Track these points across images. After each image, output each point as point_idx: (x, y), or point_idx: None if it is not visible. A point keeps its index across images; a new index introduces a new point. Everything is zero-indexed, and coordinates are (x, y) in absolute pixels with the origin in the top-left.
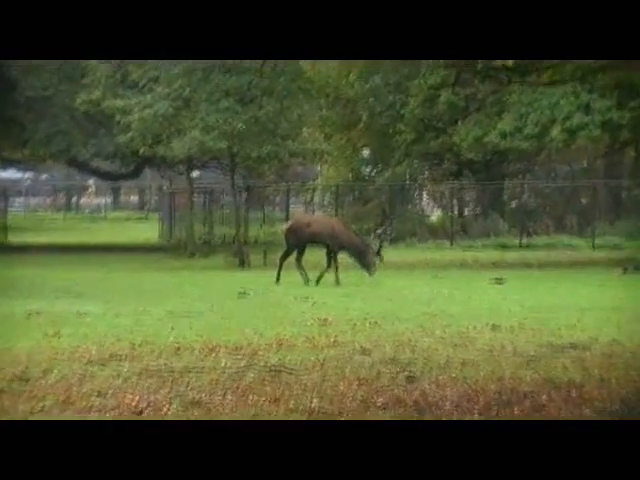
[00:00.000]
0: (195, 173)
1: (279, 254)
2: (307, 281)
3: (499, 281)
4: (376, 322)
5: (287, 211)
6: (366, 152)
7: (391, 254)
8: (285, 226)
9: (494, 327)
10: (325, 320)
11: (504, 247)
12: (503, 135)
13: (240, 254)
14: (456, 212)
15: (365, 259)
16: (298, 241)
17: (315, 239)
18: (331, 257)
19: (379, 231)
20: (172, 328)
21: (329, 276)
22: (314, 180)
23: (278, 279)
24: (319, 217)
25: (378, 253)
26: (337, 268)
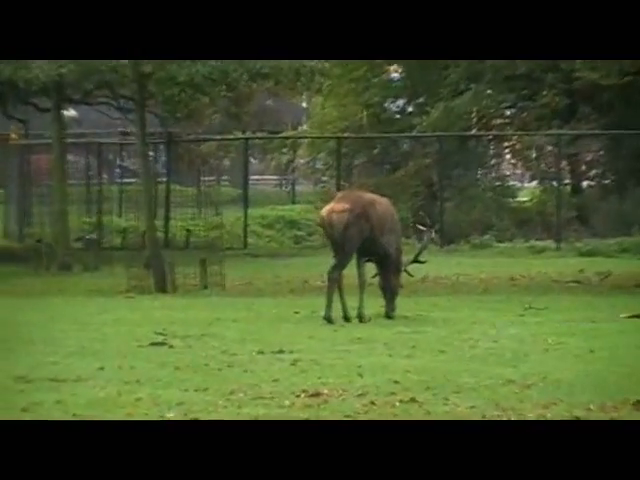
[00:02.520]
0: (71, 112)
1: (232, 264)
2: (348, 316)
3: None
4: (413, 398)
5: (245, 185)
6: (395, 73)
7: (441, 263)
8: (336, 205)
9: None
10: (317, 394)
11: None
12: None
13: (157, 267)
14: (568, 186)
15: (396, 279)
16: (359, 238)
17: (374, 235)
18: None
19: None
20: (24, 409)
21: (316, 307)
22: (297, 127)
23: (329, 314)
24: (372, 195)
25: (417, 260)
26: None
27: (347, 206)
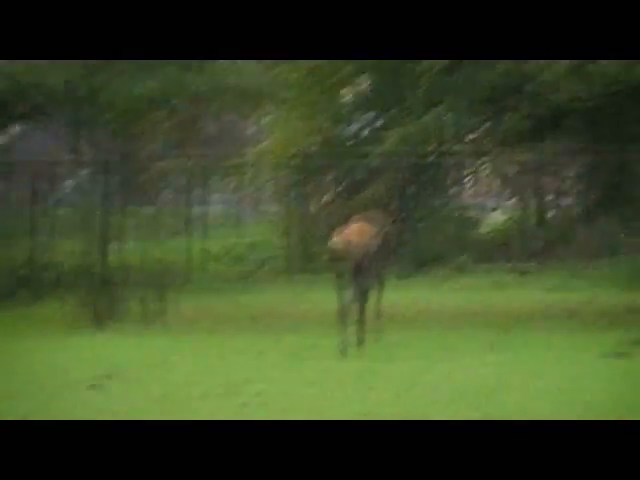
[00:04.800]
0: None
1: (179, 296)
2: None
3: (629, 350)
4: None
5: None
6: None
7: (402, 296)
8: (349, 233)
9: None
10: None
11: None
12: None
13: (96, 300)
14: (534, 215)
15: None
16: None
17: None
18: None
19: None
20: None
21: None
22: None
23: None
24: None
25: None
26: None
27: (356, 241)
